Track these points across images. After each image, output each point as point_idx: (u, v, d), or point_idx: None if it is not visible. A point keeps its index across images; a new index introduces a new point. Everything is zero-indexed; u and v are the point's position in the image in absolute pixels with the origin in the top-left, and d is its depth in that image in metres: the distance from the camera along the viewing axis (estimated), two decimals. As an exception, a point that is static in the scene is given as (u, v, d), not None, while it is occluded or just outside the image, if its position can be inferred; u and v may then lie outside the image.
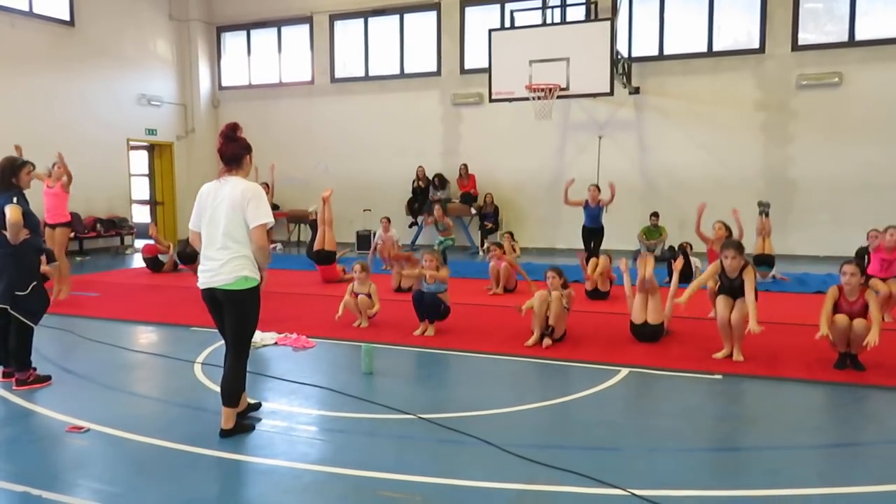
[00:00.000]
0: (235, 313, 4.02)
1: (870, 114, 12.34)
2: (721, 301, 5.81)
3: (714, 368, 5.48)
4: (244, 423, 4.20)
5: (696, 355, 5.86)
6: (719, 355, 5.72)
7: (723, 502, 3.25)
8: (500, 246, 9.41)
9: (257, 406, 4.57)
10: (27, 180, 5.20)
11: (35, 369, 5.19)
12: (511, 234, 10.83)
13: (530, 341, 6.21)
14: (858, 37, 12.53)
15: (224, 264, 3.95)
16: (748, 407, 4.85)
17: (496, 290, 8.95)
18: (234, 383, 4.09)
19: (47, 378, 5.20)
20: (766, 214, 10.14)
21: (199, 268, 4.09)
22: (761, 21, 13.08)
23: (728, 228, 8.35)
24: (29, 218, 5.04)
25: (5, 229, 4.92)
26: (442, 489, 3.42)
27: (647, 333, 6.27)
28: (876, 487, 3.43)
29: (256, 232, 3.94)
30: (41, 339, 5.41)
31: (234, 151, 4.12)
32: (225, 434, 4.06)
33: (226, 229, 3.95)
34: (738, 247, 5.79)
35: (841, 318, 5.36)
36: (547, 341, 6.15)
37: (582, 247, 10.76)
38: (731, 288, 5.78)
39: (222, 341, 4.21)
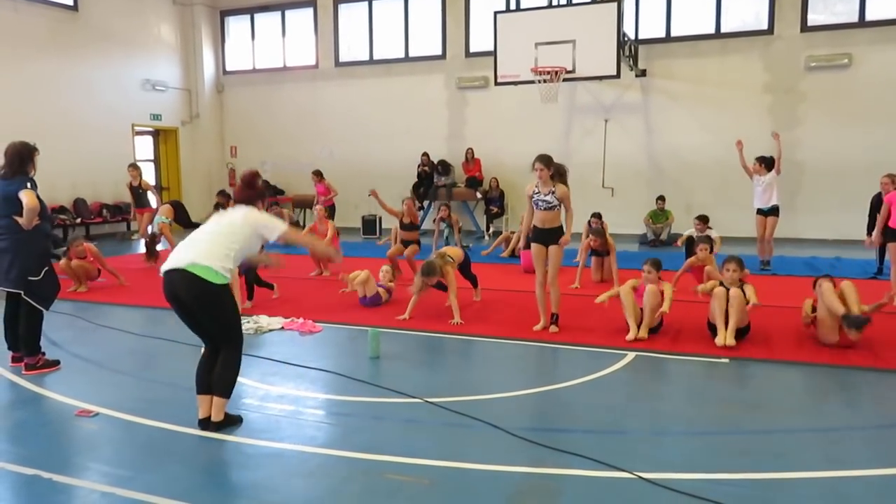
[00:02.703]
0: (208, 314, 3.85)
1: (879, 95, 12.21)
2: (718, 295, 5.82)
3: (720, 352, 5.47)
4: (233, 416, 4.04)
5: (702, 339, 5.84)
6: (720, 340, 5.63)
7: (729, 485, 3.25)
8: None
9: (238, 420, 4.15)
10: (36, 166, 5.20)
11: (44, 354, 5.22)
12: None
13: (633, 335, 5.87)
14: (869, 17, 12.38)
15: (201, 252, 3.82)
16: (754, 390, 4.84)
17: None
18: (232, 376, 3.97)
19: (56, 363, 5.23)
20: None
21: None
22: (770, 2, 12.92)
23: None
24: (40, 203, 5.05)
25: (17, 214, 4.92)
26: (449, 472, 3.44)
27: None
28: (882, 470, 3.43)
29: (290, 237, 4.10)
30: (49, 324, 5.43)
31: (248, 197, 4.21)
32: (214, 427, 3.90)
33: (214, 236, 3.92)
34: (739, 262, 5.92)
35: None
36: (640, 333, 5.90)
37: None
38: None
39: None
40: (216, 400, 3.93)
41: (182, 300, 3.84)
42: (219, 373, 3.94)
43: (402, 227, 9.51)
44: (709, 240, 8.12)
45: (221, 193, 12.61)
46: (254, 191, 4.26)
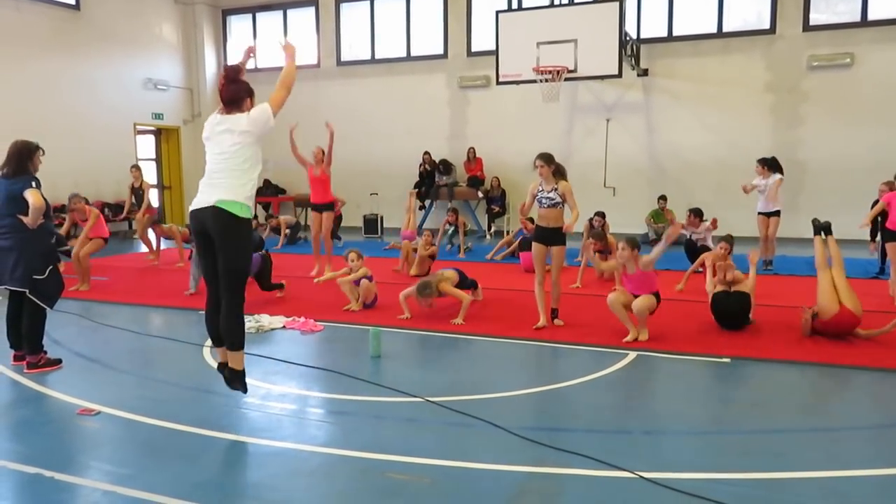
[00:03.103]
0: (229, 243, 3.90)
1: (882, 95, 12.19)
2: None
3: (722, 352, 5.47)
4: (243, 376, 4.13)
5: (702, 339, 5.84)
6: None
7: (730, 485, 3.25)
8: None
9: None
10: (38, 164, 5.19)
11: (46, 352, 5.23)
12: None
13: (633, 336, 5.86)
14: (871, 17, 12.36)
15: (224, 188, 3.94)
16: (755, 390, 4.84)
17: None
18: (236, 326, 4.01)
19: (58, 361, 5.24)
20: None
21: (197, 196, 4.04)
22: (772, 1, 12.91)
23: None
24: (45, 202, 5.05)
25: (21, 213, 4.93)
26: (450, 471, 3.44)
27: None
28: (883, 470, 3.42)
29: (278, 98, 4.17)
30: (51, 322, 5.44)
31: (234, 92, 4.10)
32: (237, 376, 4.03)
33: (228, 164, 4.00)
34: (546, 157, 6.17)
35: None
36: (640, 335, 5.89)
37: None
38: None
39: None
40: (230, 354, 4.03)
41: (209, 232, 3.96)
42: (224, 325, 4.01)
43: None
44: (730, 239, 7.68)
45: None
46: (240, 84, 4.15)
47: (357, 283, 7.12)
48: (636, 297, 5.87)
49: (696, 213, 9.50)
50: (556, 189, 6.14)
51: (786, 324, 6.16)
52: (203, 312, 4.26)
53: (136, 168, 11.26)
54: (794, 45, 12.77)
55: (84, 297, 7.88)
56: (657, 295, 5.94)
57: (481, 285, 7.58)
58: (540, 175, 6.20)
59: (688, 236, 9.51)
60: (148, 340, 6.14)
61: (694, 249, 9.17)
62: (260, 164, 4.14)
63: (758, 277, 6.70)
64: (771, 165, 9.57)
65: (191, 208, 4.06)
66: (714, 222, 9.44)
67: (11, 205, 4.97)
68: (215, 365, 4.20)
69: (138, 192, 10.91)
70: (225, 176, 4.00)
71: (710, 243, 9.15)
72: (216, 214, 3.91)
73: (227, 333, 4.02)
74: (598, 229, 8.85)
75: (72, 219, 9.48)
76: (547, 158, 6.17)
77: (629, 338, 5.79)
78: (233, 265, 3.97)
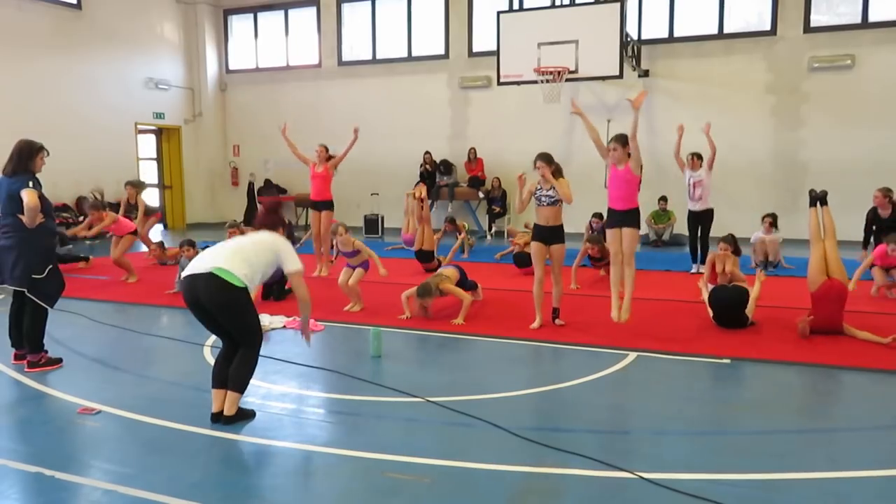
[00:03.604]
0: (232, 314, 3.93)
1: (882, 96, 12.19)
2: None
3: (722, 353, 5.47)
4: (245, 410, 4.09)
5: (702, 340, 5.84)
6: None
7: (729, 485, 3.25)
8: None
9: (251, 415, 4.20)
10: (41, 165, 5.19)
11: (47, 352, 5.24)
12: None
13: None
14: (872, 18, 12.36)
15: (224, 259, 3.96)
16: (755, 391, 4.84)
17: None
18: (248, 373, 4.05)
19: (58, 360, 5.25)
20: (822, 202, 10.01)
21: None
22: (773, 2, 12.91)
23: (700, 157, 8.94)
24: (43, 202, 5.05)
25: (21, 213, 4.94)
26: (450, 471, 3.44)
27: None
28: (883, 472, 3.43)
29: (296, 279, 4.18)
30: (52, 321, 5.45)
31: (272, 222, 4.50)
32: (226, 420, 3.96)
33: (238, 248, 4.07)
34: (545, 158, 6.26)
35: None
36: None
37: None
38: None
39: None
40: (230, 394, 3.99)
41: (202, 303, 3.92)
42: (235, 367, 4.01)
43: (418, 255, 9.36)
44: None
45: (233, 226, 11.60)
46: (277, 216, 4.56)
47: (351, 255, 7.12)
48: (619, 212, 6.10)
49: (697, 157, 9.41)
50: (555, 188, 6.16)
51: (786, 325, 6.16)
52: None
53: (133, 186, 11.02)
54: (794, 46, 12.77)
55: (84, 297, 7.88)
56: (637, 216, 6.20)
57: (482, 285, 7.59)
58: (541, 176, 6.21)
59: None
60: (148, 340, 6.15)
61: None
62: (266, 275, 4.19)
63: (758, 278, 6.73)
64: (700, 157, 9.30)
65: (182, 275, 4.05)
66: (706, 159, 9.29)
67: (12, 204, 4.98)
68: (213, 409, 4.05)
69: (133, 207, 10.79)
70: (229, 251, 4.04)
71: (706, 181, 9.18)
72: (207, 282, 3.86)
73: (237, 378, 4.01)
74: (595, 234, 8.82)
75: (89, 223, 9.68)
76: (547, 159, 6.23)
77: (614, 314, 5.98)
78: (240, 324, 3.98)
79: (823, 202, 6.62)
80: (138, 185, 11.08)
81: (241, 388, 4.04)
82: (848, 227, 8.41)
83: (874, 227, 8.60)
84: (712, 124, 13.24)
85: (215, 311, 3.93)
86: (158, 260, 10.43)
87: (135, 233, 9.57)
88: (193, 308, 3.99)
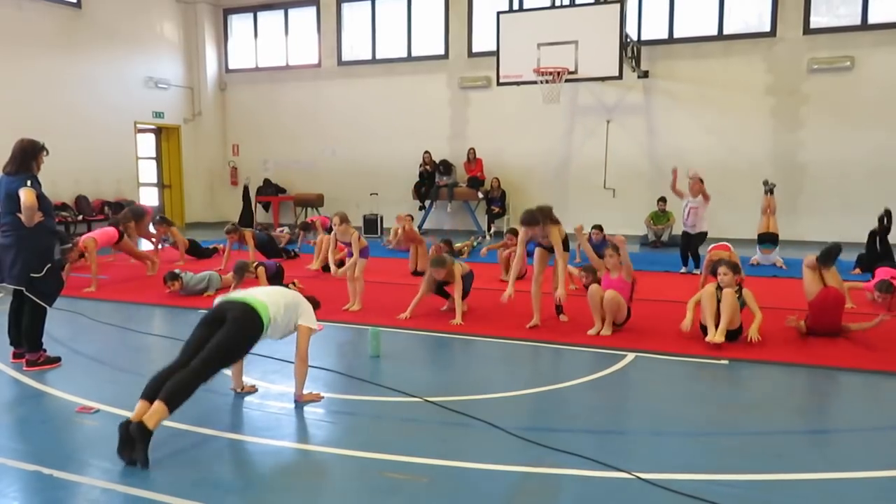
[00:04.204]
0: (236, 328, 3.90)
1: (882, 98, 12.21)
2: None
3: (720, 353, 5.48)
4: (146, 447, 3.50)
5: (700, 341, 5.84)
6: (709, 337, 5.66)
7: (727, 486, 3.26)
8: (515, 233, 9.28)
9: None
10: (40, 165, 5.19)
11: (45, 350, 5.24)
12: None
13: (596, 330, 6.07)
14: (871, 20, 12.38)
15: (261, 295, 4.20)
16: (753, 391, 4.85)
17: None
18: (188, 391, 3.65)
19: (57, 359, 5.25)
20: (771, 192, 10.12)
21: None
22: (772, 4, 12.92)
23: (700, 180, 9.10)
24: (43, 201, 5.05)
25: (20, 212, 4.94)
26: (447, 471, 3.45)
27: None
28: (880, 472, 3.44)
29: (304, 332, 4.32)
30: (51, 320, 5.45)
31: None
32: (144, 436, 3.43)
33: (268, 293, 4.29)
34: (732, 266, 5.96)
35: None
36: (603, 330, 6.11)
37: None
38: None
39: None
40: (154, 405, 3.52)
41: (222, 318, 3.94)
42: (177, 380, 3.62)
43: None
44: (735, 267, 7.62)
45: (232, 231, 10.73)
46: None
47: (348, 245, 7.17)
48: None
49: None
50: (548, 237, 6.30)
51: (783, 326, 6.16)
52: (200, 311, 4.25)
53: (165, 223, 10.93)
54: (794, 47, 12.79)
55: (84, 296, 7.88)
56: (629, 309, 6.16)
57: (482, 285, 7.59)
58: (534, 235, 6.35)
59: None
60: (147, 339, 6.15)
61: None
62: (285, 331, 4.32)
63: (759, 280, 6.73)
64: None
65: (215, 303, 4.18)
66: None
67: (11, 202, 4.98)
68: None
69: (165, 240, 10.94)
70: (261, 294, 4.24)
71: (700, 211, 9.24)
72: (239, 305, 4.01)
73: (175, 390, 3.57)
74: (590, 265, 8.38)
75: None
76: (529, 220, 6.24)
77: (592, 331, 5.99)
78: (220, 349, 3.81)
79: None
80: (168, 223, 11.05)
81: (174, 405, 3.57)
82: (848, 227, 8.43)
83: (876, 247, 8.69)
84: (711, 125, 13.35)
85: (228, 320, 3.89)
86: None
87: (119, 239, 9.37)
88: (213, 321, 3.95)
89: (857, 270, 9.15)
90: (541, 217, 6.26)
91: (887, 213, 9.25)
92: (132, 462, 3.43)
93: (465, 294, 7.08)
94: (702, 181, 9.24)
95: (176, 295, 7.79)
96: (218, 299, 4.19)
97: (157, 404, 3.52)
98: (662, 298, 7.57)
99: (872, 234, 9.19)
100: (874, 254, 8.95)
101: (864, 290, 7.40)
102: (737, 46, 13.17)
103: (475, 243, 11.68)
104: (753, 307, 5.82)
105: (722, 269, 5.91)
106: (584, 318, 6.63)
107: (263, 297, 4.16)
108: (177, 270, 8.01)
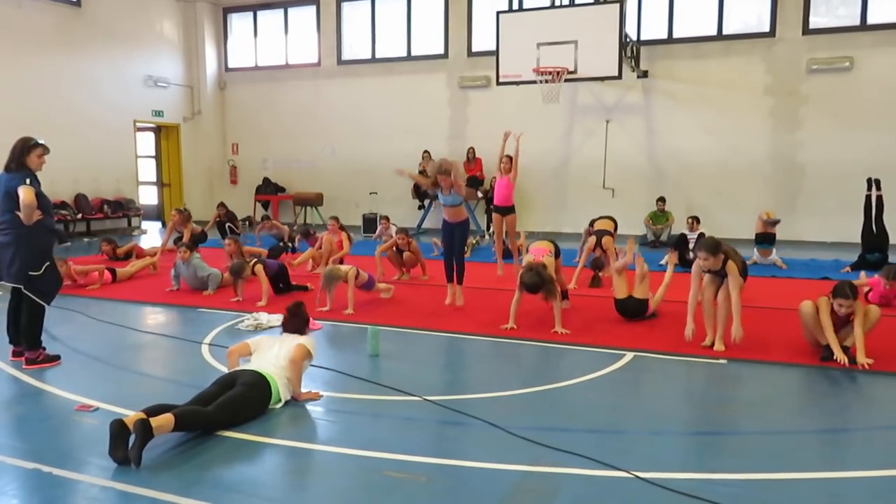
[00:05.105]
0: (249, 389, 4.07)
1: (881, 99, 12.22)
2: (708, 279, 5.67)
3: (718, 353, 5.48)
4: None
5: (700, 340, 5.85)
6: (707, 343, 5.58)
7: (726, 485, 3.26)
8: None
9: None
10: (38, 163, 5.16)
11: (44, 349, 5.24)
12: None
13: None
14: (870, 20, 12.39)
15: (272, 366, 4.30)
16: (752, 391, 4.85)
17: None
18: (198, 424, 3.84)
19: (56, 357, 5.25)
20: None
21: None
22: (772, 4, 12.93)
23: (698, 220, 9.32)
24: (41, 199, 5.06)
25: (18, 210, 4.94)
26: (447, 470, 3.45)
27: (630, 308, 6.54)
28: (879, 472, 3.44)
29: (301, 354, 4.39)
30: (50, 319, 5.45)
31: (297, 326, 4.68)
32: (147, 435, 3.49)
33: (279, 363, 4.34)
34: (711, 248, 5.45)
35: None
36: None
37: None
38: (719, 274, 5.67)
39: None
40: (169, 416, 3.64)
41: (233, 382, 4.12)
42: (195, 410, 3.83)
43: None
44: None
45: (222, 205, 12.67)
46: (300, 318, 4.70)
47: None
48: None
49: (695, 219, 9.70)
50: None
51: (782, 326, 6.17)
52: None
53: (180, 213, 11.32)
54: (793, 48, 12.79)
55: (83, 294, 7.88)
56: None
57: (482, 285, 7.61)
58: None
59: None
60: (146, 337, 6.15)
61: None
62: (292, 376, 4.37)
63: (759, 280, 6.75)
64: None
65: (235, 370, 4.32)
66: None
67: (9, 201, 4.98)
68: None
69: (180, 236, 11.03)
70: (274, 367, 4.32)
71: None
72: (256, 376, 4.15)
73: (189, 413, 3.78)
74: (599, 258, 8.70)
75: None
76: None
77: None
78: (235, 402, 3.97)
79: None
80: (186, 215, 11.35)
81: (180, 424, 3.70)
82: (845, 228, 8.43)
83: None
84: (710, 125, 13.36)
85: (240, 383, 4.07)
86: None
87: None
88: (220, 383, 4.14)
89: (848, 269, 9.18)
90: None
91: (876, 182, 9.68)
92: (124, 461, 3.44)
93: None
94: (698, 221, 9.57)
95: (176, 293, 7.81)
96: (233, 370, 4.31)
97: (168, 415, 3.64)
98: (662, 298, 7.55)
99: (868, 200, 9.55)
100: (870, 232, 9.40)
101: (870, 284, 7.50)
102: (736, 46, 13.17)
103: (475, 243, 11.69)
104: (734, 283, 5.46)
105: (702, 255, 5.47)
106: (581, 318, 6.64)
107: (271, 369, 4.28)
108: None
